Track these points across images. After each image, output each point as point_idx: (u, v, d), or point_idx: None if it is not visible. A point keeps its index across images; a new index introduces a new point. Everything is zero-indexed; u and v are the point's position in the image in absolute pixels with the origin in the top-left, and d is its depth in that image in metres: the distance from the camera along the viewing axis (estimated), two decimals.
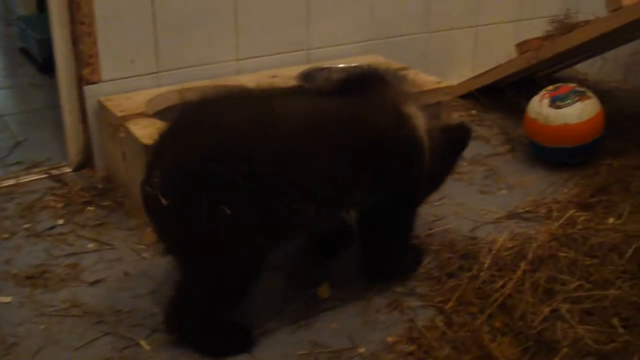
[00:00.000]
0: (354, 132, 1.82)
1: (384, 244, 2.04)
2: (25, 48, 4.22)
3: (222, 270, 1.74)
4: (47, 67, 3.63)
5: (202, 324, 1.81)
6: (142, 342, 1.85)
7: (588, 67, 3.64)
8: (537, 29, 3.32)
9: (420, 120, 1.94)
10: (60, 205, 2.50)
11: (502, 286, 2.00)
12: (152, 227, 1.86)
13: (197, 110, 1.81)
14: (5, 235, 2.32)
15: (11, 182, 2.66)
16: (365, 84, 1.94)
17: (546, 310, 1.88)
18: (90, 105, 2.62)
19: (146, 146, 2.21)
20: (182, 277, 1.82)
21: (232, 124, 1.71)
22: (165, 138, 1.79)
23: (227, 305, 1.83)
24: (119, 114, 2.44)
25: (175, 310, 1.83)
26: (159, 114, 2.58)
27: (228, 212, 1.64)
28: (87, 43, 2.55)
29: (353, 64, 2.92)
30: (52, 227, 2.37)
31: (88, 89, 2.60)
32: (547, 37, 3.04)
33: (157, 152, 1.77)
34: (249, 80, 2.76)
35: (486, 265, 2.08)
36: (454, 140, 2.07)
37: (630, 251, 2.09)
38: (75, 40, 2.56)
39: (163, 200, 1.66)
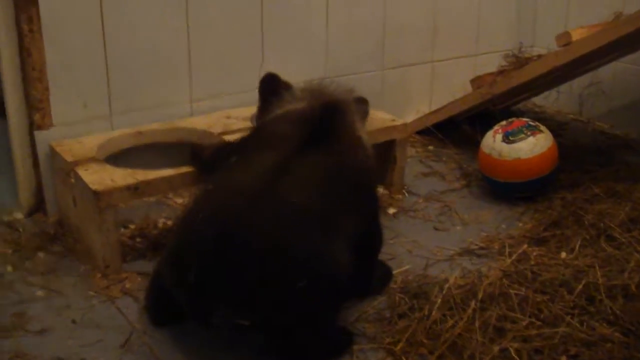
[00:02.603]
0: (346, 186, 1.97)
1: (367, 262, 2.12)
2: None
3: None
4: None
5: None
6: None
7: (544, 100, 3.69)
8: (494, 62, 3.36)
9: (364, 132, 2.17)
10: (9, 251, 2.46)
11: (453, 326, 1.99)
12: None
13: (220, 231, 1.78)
14: None
15: None
16: (328, 125, 2.01)
17: (495, 349, 1.87)
18: (42, 150, 2.59)
19: (95, 192, 2.20)
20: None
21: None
22: (209, 268, 1.75)
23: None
24: (70, 159, 2.42)
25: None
26: (110, 159, 2.57)
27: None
28: (38, 88, 2.54)
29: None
30: (1, 275, 2.33)
31: (39, 134, 2.58)
32: (501, 72, 3.07)
33: (205, 283, 1.76)
34: (203, 121, 2.77)
35: (437, 305, 2.06)
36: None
37: (580, 286, 2.10)
38: (26, 85, 2.54)
39: (245, 322, 1.73)
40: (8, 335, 2.03)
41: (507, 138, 2.70)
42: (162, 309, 2.07)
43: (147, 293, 2.14)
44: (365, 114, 2.35)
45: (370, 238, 2.14)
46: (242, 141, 2.24)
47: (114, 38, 2.65)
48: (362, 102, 2.35)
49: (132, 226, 2.60)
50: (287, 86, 2.30)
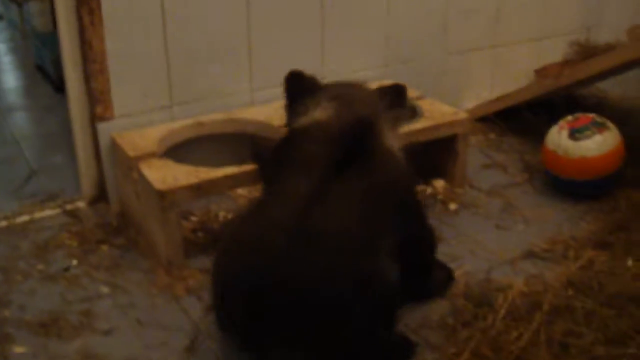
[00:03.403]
0: (383, 202, 1.92)
1: (422, 266, 2.14)
2: (41, 65, 4.22)
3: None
4: (62, 86, 3.61)
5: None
6: None
7: (608, 84, 3.57)
8: (557, 48, 3.27)
9: (395, 140, 2.09)
10: (74, 243, 2.51)
11: (517, 338, 1.97)
12: None
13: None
14: (19, 278, 2.33)
15: (25, 217, 2.66)
16: (360, 146, 1.93)
17: None
18: (103, 141, 2.61)
19: (159, 192, 2.21)
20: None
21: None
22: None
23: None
24: (132, 154, 2.43)
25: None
26: (171, 149, 2.58)
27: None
28: (99, 80, 2.54)
29: None
30: (67, 269, 2.37)
31: (101, 126, 2.60)
32: (567, 62, 2.98)
33: (256, 328, 1.76)
34: (263, 111, 2.75)
35: (501, 315, 2.05)
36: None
37: None
38: (87, 77, 2.55)
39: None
40: (77, 335, 2.07)
41: (573, 135, 2.63)
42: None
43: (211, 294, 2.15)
44: (396, 112, 2.20)
45: (420, 242, 2.12)
46: (278, 151, 2.16)
47: (174, 28, 2.63)
48: (394, 92, 2.21)
49: (193, 218, 2.61)
50: (312, 84, 2.21)
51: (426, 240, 2.18)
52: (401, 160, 2.07)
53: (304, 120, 2.10)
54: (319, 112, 2.08)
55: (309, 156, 1.94)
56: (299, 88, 2.20)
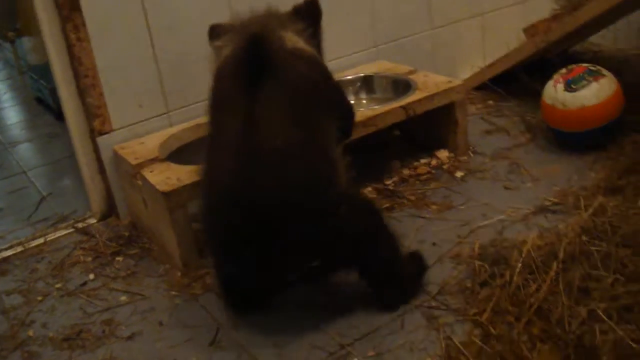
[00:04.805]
0: (309, 97, 2.03)
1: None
2: (40, 97, 4.27)
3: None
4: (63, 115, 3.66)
5: None
6: None
7: (601, 38, 3.56)
8: (545, 6, 3.25)
9: (305, 44, 2.16)
10: (89, 259, 2.52)
11: (537, 290, 1.96)
12: None
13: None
14: (39, 298, 2.35)
15: (40, 240, 2.69)
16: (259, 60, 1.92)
17: (584, 311, 1.83)
18: (106, 155, 2.64)
19: (163, 193, 2.23)
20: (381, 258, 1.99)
21: None
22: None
23: None
24: (134, 162, 2.45)
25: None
26: (174, 154, 2.59)
27: None
28: (93, 95, 2.57)
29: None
30: (84, 284, 2.39)
31: (101, 140, 2.62)
32: (555, 17, 2.97)
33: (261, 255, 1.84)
34: None
35: (518, 270, 2.04)
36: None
37: None
38: (81, 93, 2.58)
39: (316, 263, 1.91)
40: (101, 343, 2.08)
41: (569, 86, 2.62)
42: (238, 297, 2.13)
43: (219, 287, 2.18)
44: (308, 22, 2.25)
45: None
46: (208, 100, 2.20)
47: (160, 36, 2.65)
48: (306, 7, 2.28)
49: None
50: (228, 28, 2.24)
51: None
52: (313, 58, 2.15)
53: (218, 63, 2.16)
54: (227, 49, 2.12)
55: (225, 90, 2.01)
56: (217, 36, 2.26)
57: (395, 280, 2.04)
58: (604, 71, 2.66)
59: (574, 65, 2.72)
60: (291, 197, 1.79)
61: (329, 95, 2.16)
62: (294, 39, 2.13)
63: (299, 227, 1.79)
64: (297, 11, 2.27)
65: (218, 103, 2.06)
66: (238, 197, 1.79)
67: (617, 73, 2.75)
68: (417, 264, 2.15)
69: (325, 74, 2.21)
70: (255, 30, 1.95)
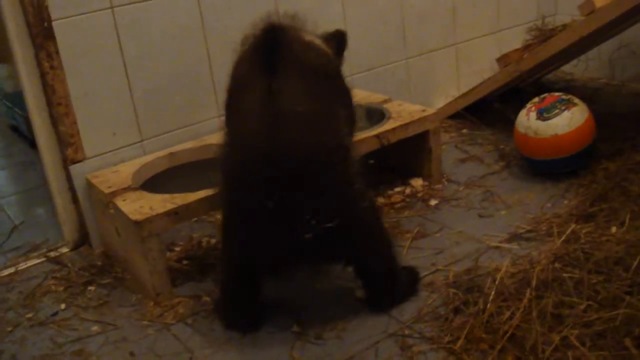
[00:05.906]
0: (321, 80, 2.08)
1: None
2: (14, 125, 4.24)
3: None
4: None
5: None
6: None
7: (574, 67, 3.62)
8: (518, 36, 3.30)
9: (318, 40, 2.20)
10: (61, 288, 2.49)
11: (510, 317, 1.96)
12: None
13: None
14: (9, 329, 2.30)
15: (11, 270, 2.65)
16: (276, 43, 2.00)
17: (557, 338, 1.84)
18: (79, 183, 2.62)
19: (136, 222, 2.21)
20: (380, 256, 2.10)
21: None
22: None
23: None
24: (107, 191, 2.43)
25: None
26: (147, 183, 2.58)
27: None
28: (66, 123, 2.55)
29: None
30: (55, 314, 2.35)
31: (74, 168, 2.60)
32: (527, 47, 3.01)
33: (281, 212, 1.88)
34: None
35: (491, 297, 2.04)
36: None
37: (635, 262, 2.04)
38: (54, 121, 2.56)
39: (331, 224, 1.89)
40: None
41: (542, 115, 2.65)
42: (248, 310, 2.15)
43: (225, 306, 2.19)
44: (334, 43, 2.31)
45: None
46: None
47: (134, 65, 2.65)
48: (334, 36, 2.34)
49: (177, 248, 2.61)
50: None
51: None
52: (330, 55, 2.19)
53: (236, 55, 2.19)
54: (245, 45, 2.16)
55: (245, 71, 2.07)
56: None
57: (391, 280, 2.13)
58: (576, 100, 2.70)
59: (546, 94, 2.75)
60: (313, 154, 1.87)
61: (340, 89, 2.20)
62: (313, 37, 2.18)
63: (318, 180, 1.88)
64: (324, 36, 2.30)
65: (237, 84, 2.11)
66: (264, 151, 1.85)
67: (589, 101, 2.80)
68: (410, 272, 2.25)
69: (339, 72, 2.25)
70: (272, 22, 2.07)
